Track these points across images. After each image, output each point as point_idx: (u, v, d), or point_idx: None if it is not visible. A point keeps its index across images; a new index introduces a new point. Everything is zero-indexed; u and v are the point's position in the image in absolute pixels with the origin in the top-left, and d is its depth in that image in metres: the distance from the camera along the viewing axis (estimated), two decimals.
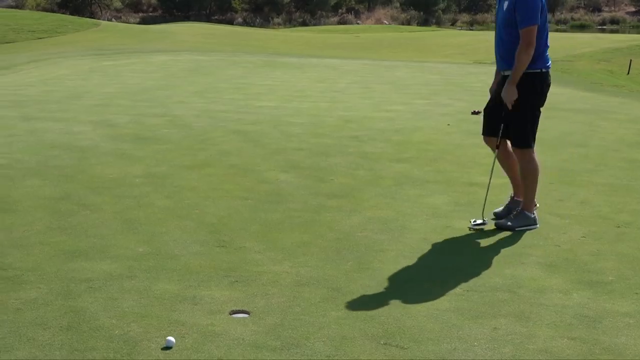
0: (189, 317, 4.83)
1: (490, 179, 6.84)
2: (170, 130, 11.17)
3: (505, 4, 6.58)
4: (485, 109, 7.07)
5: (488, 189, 6.81)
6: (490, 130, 6.89)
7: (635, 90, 19.36)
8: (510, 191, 7.02)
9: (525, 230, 6.63)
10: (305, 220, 6.93)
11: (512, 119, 6.60)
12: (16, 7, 69.90)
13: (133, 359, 4.26)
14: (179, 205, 7.33)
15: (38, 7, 71.45)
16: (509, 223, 6.70)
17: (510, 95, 6.43)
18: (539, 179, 6.83)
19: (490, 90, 7.08)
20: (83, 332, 4.58)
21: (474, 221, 6.67)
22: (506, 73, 6.65)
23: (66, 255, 5.88)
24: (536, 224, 6.74)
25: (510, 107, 6.47)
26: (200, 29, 45.46)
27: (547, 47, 6.67)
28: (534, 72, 6.51)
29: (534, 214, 6.79)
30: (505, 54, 6.66)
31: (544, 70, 6.60)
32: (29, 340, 4.45)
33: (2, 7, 61.97)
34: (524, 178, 6.82)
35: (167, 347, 4.29)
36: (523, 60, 6.40)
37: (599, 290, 5.40)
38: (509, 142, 6.87)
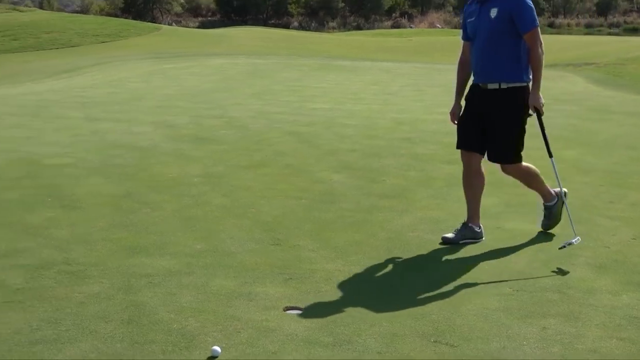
0: (245, 312, 4.86)
1: (561, 188, 6.48)
2: (228, 131, 11.25)
3: (495, 12, 6.05)
4: (459, 122, 6.51)
5: (565, 201, 6.47)
6: (468, 144, 6.41)
7: None
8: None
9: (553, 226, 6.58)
10: (357, 220, 6.93)
11: (503, 136, 6.23)
12: (81, 12, 71.04)
13: (190, 352, 4.31)
14: (236, 204, 7.38)
15: (102, 12, 72.48)
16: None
17: (539, 101, 6.11)
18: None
19: (452, 112, 6.58)
20: (143, 325, 4.64)
21: (568, 242, 6.05)
22: (492, 86, 6.19)
23: (127, 251, 5.97)
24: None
25: (542, 112, 6.18)
26: (257, 33, 45.70)
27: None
28: (522, 86, 6.18)
29: (555, 200, 6.54)
30: (496, 67, 6.13)
31: (529, 82, 6.21)
32: (91, 333, 4.52)
33: (68, 12, 62.97)
34: (530, 184, 6.59)
35: (213, 357, 4.24)
36: (542, 60, 6.13)
37: None
38: (482, 160, 6.49)
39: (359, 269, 5.72)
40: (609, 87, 18.25)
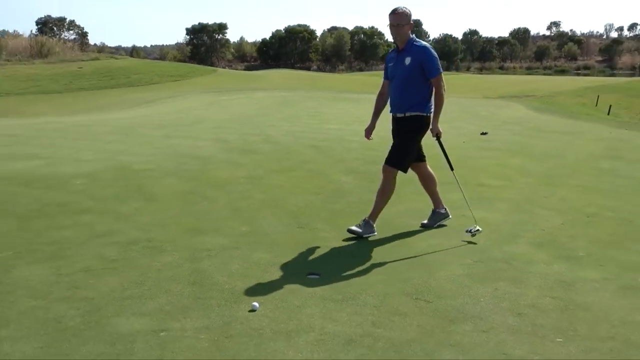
0: (277, 277, 4.89)
1: (463, 191, 6.31)
2: (265, 145, 11.26)
3: (408, 60, 5.84)
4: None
5: (466, 200, 6.22)
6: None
7: (601, 118, 18.89)
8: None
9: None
10: (360, 210, 6.89)
11: (395, 145, 6.06)
12: (160, 58, 71.57)
13: (238, 305, 4.33)
14: (271, 198, 7.38)
15: (175, 59, 73.08)
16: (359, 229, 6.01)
17: (438, 128, 5.97)
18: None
19: (367, 129, 6.35)
20: (203, 286, 4.67)
21: (470, 229, 5.93)
22: (399, 115, 5.98)
23: (192, 232, 5.98)
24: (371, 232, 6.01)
25: (440, 137, 6.02)
26: (287, 74, 45.68)
27: (432, 96, 5.97)
28: (421, 115, 5.95)
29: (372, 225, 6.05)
30: (406, 102, 5.92)
31: (428, 114, 5.96)
32: (166, 292, 4.56)
33: (150, 59, 63.32)
34: (382, 193, 6.08)
35: (252, 310, 4.26)
36: (444, 98, 5.93)
37: (573, 262, 5.30)
38: (426, 165, 6.38)
39: (360, 246, 5.72)
40: (544, 113, 18.21)
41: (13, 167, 8.94)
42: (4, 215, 6.46)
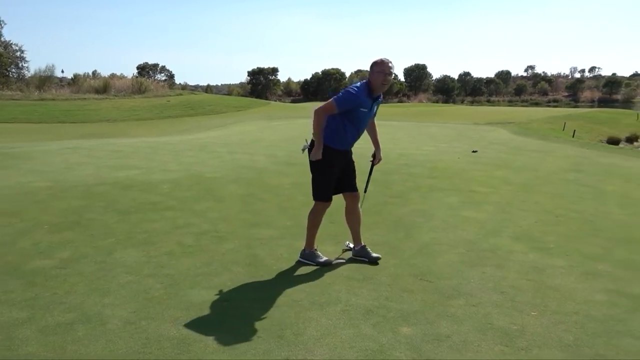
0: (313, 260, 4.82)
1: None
2: (306, 159, 11.16)
3: (375, 108, 4.80)
4: (332, 179, 5.06)
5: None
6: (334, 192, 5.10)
7: (567, 140, 18.44)
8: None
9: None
10: (377, 210, 6.83)
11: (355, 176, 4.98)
12: (228, 94, 72.17)
13: (287, 283, 4.29)
14: (310, 200, 7.27)
15: (238, 94, 73.58)
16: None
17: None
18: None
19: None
20: (257, 267, 4.65)
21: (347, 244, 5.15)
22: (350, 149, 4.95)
23: (249, 226, 5.96)
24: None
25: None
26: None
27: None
28: None
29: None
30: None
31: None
32: (228, 271, 4.55)
33: (220, 94, 63.93)
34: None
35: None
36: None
37: (544, 252, 5.14)
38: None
39: (378, 237, 5.63)
40: (522, 136, 17.85)
41: (117, 175, 9.09)
42: (109, 210, 6.56)
